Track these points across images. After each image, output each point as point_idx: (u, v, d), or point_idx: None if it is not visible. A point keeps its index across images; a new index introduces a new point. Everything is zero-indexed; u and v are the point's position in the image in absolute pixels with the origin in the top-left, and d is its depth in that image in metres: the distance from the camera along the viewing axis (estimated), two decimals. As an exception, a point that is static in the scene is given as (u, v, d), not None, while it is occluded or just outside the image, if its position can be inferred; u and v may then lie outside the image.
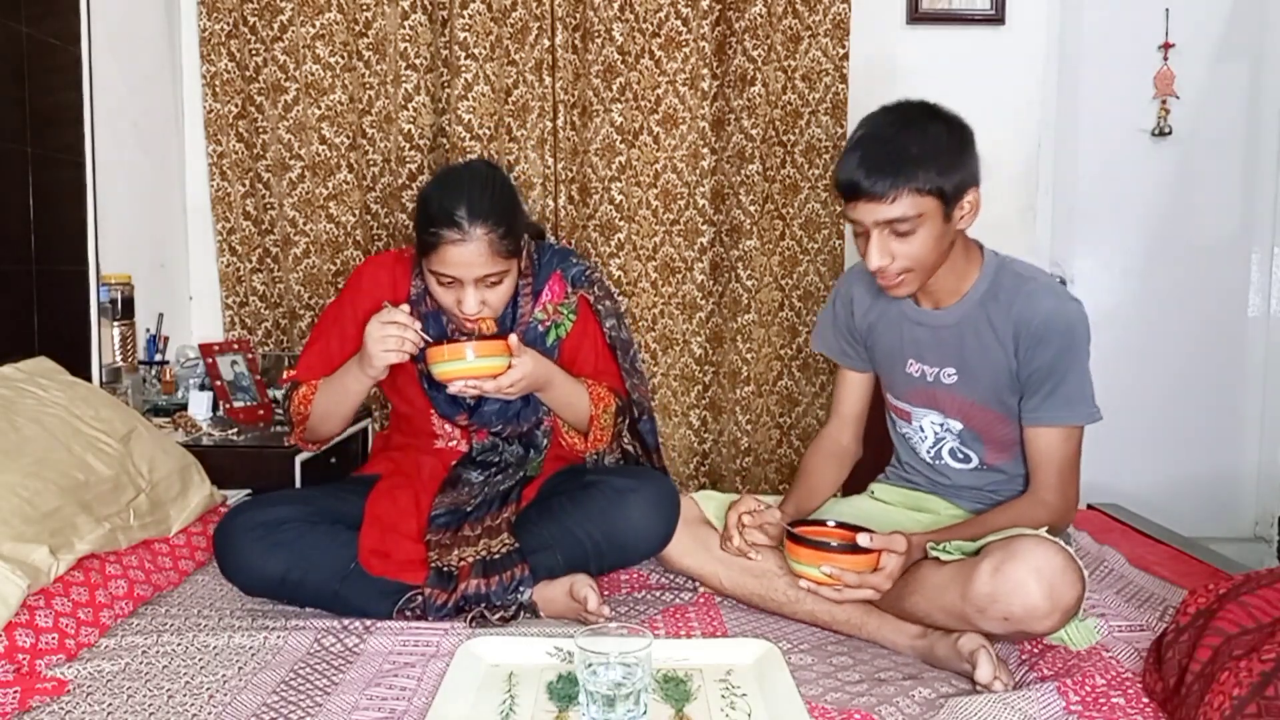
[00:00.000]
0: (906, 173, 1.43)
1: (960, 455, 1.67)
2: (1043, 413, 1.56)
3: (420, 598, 1.55)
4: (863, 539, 1.41)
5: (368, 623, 1.53)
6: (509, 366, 1.58)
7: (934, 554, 1.47)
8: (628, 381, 1.83)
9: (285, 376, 1.82)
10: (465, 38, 2.62)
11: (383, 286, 1.77)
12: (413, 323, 1.59)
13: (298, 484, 2.23)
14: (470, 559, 1.59)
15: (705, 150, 2.72)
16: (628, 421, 1.85)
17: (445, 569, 1.58)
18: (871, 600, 1.45)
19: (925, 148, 1.44)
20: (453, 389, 1.60)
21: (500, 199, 1.63)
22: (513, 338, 1.59)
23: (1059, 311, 1.53)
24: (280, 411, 2.50)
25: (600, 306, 1.83)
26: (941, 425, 1.66)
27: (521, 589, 1.56)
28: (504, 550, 1.60)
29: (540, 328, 1.79)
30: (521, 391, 1.64)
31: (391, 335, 1.57)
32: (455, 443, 1.84)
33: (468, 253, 1.59)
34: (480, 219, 1.58)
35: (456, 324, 1.72)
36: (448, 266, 1.60)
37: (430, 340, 1.61)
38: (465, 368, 1.56)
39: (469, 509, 1.70)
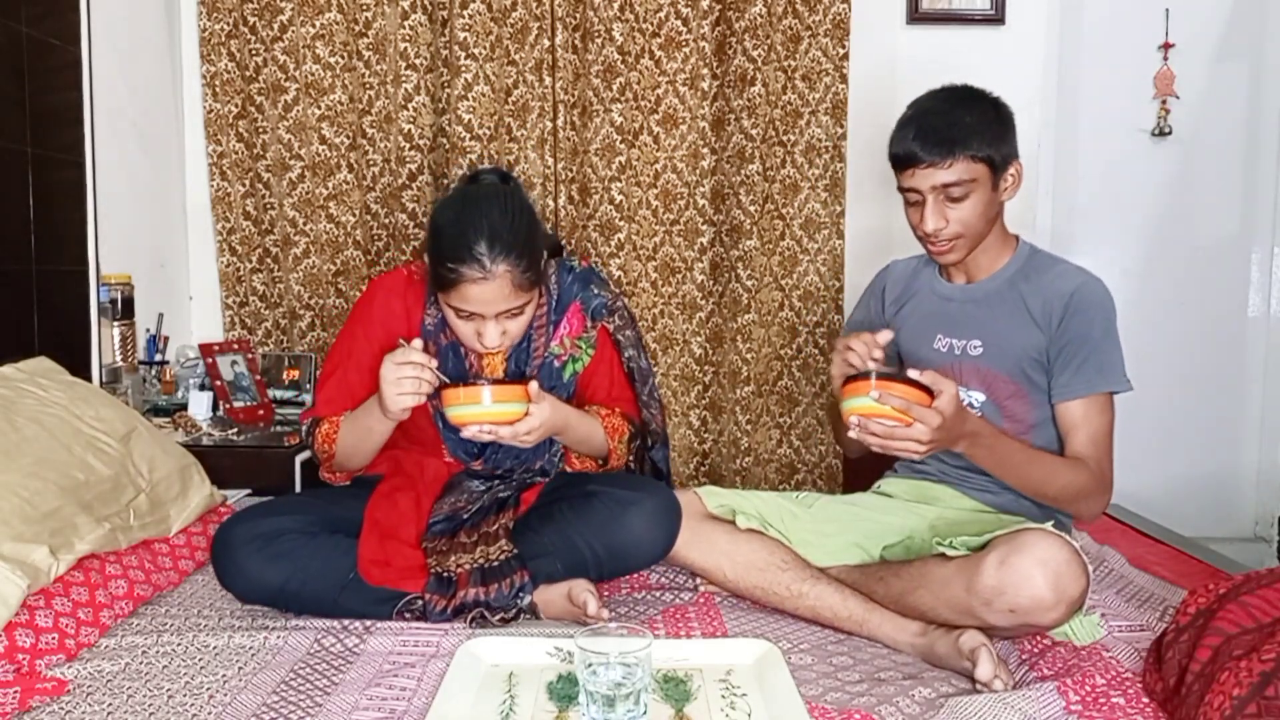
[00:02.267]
0: (961, 140, 1.55)
1: None
2: (1076, 384, 1.59)
3: (420, 602, 1.55)
4: (912, 373, 1.40)
5: (368, 623, 1.53)
6: (526, 413, 1.51)
7: (940, 549, 1.47)
8: (644, 412, 1.79)
9: (304, 414, 1.78)
10: (465, 38, 2.62)
11: (396, 316, 1.70)
12: (429, 361, 1.52)
13: (298, 484, 2.23)
14: (468, 566, 1.57)
15: (705, 150, 2.72)
16: (639, 447, 1.80)
17: (445, 574, 1.57)
18: (916, 452, 1.41)
19: (976, 119, 1.58)
20: (466, 433, 1.53)
21: (521, 229, 1.56)
22: (533, 385, 1.53)
23: (1090, 285, 1.63)
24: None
25: (620, 336, 1.77)
26: (963, 401, 1.67)
27: (522, 595, 1.55)
28: (502, 557, 1.59)
29: (556, 363, 1.73)
30: (538, 439, 1.58)
31: (408, 378, 1.50)
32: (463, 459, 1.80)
33: (490, 290, 1.52)
34: (502, 253, 1.51)
35: (472, 353, 1.68)
36: (468, 304, 1.54)
37: (446, 380, 1.55)
38: (481, 412, 1.49)
39: (465, 516, 1.68)
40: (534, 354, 1.72)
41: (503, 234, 1.52)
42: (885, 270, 1.87)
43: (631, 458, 1.78)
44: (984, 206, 1.60)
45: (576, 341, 1.74)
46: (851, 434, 1.42)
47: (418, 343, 1.55)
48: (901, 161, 1.60)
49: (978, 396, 1.67)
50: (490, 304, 1.54)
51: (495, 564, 1.58)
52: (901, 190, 1.63)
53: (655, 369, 2.77)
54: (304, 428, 1.74)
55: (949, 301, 1.72)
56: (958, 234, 1.60)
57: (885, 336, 1.55)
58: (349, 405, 1.69)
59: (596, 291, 1.77)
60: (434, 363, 1.53)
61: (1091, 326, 1.60)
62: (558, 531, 1.62)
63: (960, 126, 1.56)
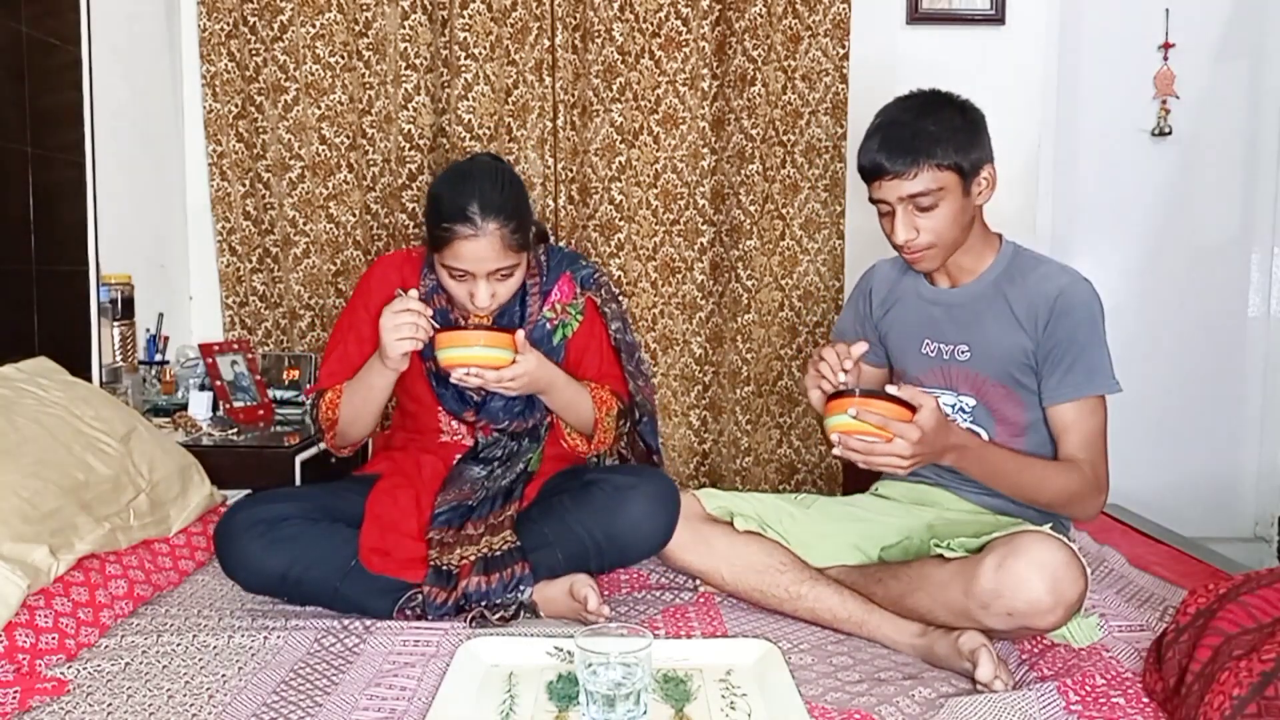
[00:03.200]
0: (925, 150, 1.53)
1: None
2: (1065, 388, 1.58)
3: (420, 596, 1.55)
4: (890, 389, 1.40)
5: (368, 623, 1.53)
6: (513, 361, 1.60)
7: (938, 551, 1.47)
8: (631, 384, 1.85)
9: (308, 389, 1.84)
10: (465, 38, 2.62)
11: (392, 285, 1.79)
12: (425, 309, 1.62)
13: (298, 484, 2.23)
14: (471, 557, 1.59)
15: (705, 150, 2.72)
16: (629, 425, 1.86)
17: (445, 568, 1.58)
18: (900, 467, 1.41)
19: (941, 127, 1.55)
20: (455, 376, 1.61)
21: (510, 193, 1.67)
22: (520, 334, 1.62)
23: (1074, 287, 1.60)
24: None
25: (607, 309, 1.85)
26: (954, 405, 1.67)
27: (522, 587, 1.56)
28: (505, 548, 1.60)
29: (548, 326, 1.81)
30: (522, 389, 1.65)
31: (405, 323, 1.60)
32: (460, 437, 1.85)
33: (481, 247, 1.62)
34: (492, 214, 1.62)
35: (464, 315, 1.75)
36: (461, 261, 1.64)
37: (439, 326, 1.64)
38: (470, 355, 1.58)
39: (472, 504, 1.71)
40: (529, 317, 1.79)
41: (493, 198, 1.63)
42: (871, 271, 1.86)
43: (623, 443, 1.81)
44: (955, 214, 1.57)
45: (566, 307, 1.83)
46: (836, 451, 1.43)
47: (414, 292, 1.66)
48: (868, 174, 1.58)
49: (969, 401, 1.67)
50: (481, 261, 1.63)
51: (497, 554, 1.59)
52: (872, 201, 1.61)
53: (655, 369, 2.78)
54: (309, 401, 1.80)
55: (934, 306, 1.71)
56: (930, 243, 1.58)
57: (860, 348, 1.54)
58: (349, 375, 1.77)
59: (584, 264, 1.88)
60: (429, 310, 1.63)
61: (1077, 329, 1.58)
62: (557, 521, 1.64)
63: (924, 136, 1.53)
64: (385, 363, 1.64)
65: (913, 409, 1.39)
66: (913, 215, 1.56)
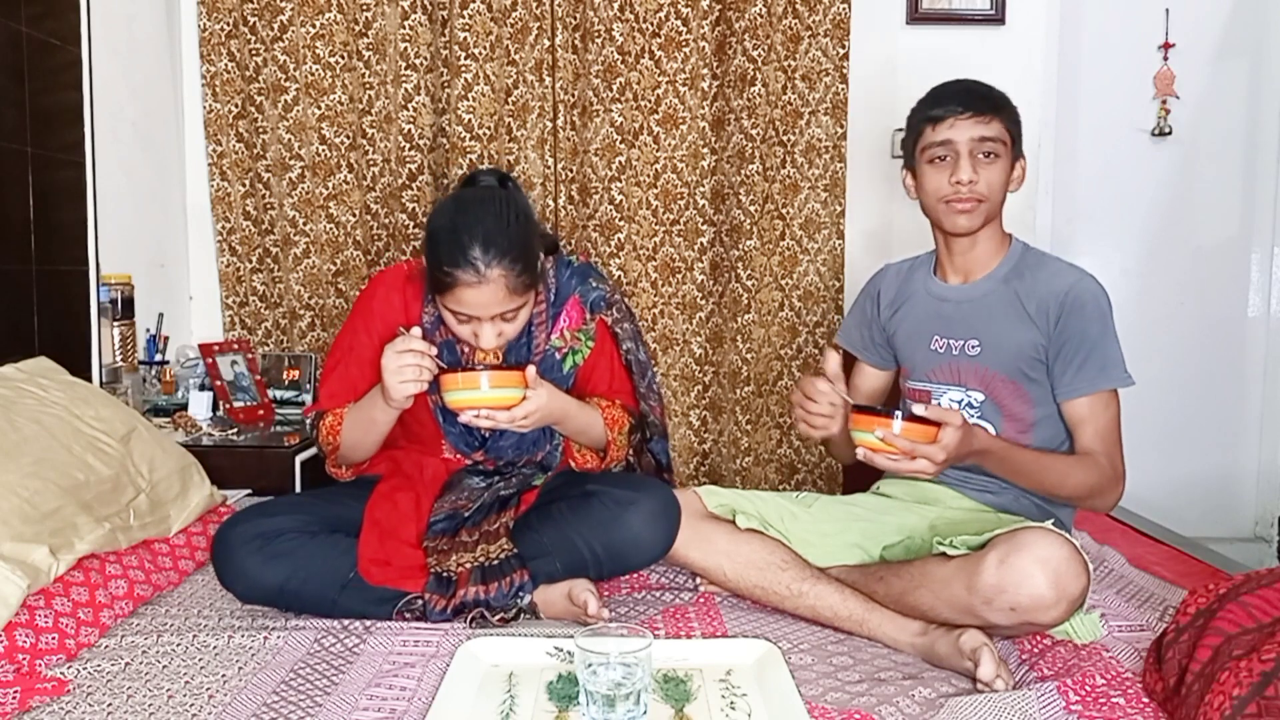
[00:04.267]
0: (1001, 104, 1.65)
1: None
2: (1079, 383, 1.60)
3: (420, 602, 1.55)
4: (918, 408, 1.43)
5: (367, 623, 1.53)
6: (524, 398, 1.53)
7: (940, 549, 1.48)
8: (643, 404, 1.80)
9: (307, 408, 1.78)
10: (465, 38, 2.62)
11: (395, 309, 1.72)
12: (429, 349, 1.54)
13: (298, 484, 2.23)
14: (468, 565, 1.58)
15: (705, 150, 2.72)
16: (639, 439, 1.82)
17: (445, 574, 1.57)
18: (927, 476, 1.44)
19: (1006, 98, 1.67)
20: (464, 418, 1.54)
21: (516, 233, 1.56)
22: (530, 370, 1.54)
23: (1083, 283, 1.63)
24: (307, 422, 2.49)
25: (619, 329, 1.78)
26: (961, 401, 1.68)
27: (521, 595, 1.55)
28: (502, 556, 1.59)
29: (557, 355, 1.74)
30: (535, 425, 1.59)
31: (409, 365, 1.52)
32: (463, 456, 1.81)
33: (485, 294, 1.54)
34: (497, 259, 1.52)
35: (468, 348, 1.69)
36: (464, 307, 1.56)
37: (444, 367, 1.57)
38: (479, 397, 1.51)
39: (467, 514, 1.68)
40: (535, 349, 1.73)
41: (497, 238, 1.53)
42: (879, 274, 1.87)
43: (631, 451, 1.79)
44: (1004, 179, 1.64)
45: (576, 334, 1.76)
46: (860, 458, 1.45)
47: (417, 330, 1.57)
48: (940, 115, 1.62)
49: (977, 396, 1.68)
50: (485, 307, 1.56)
51: (495, 562, 1.58)
52: (927, 149, 1.64)
53: (655, 369, 2.77)
54: (308, 421, 1.75)
55: (944, 302, 1.72)
56: (983, 195, 1.63)
57: (829, 376, 1.58)
58: (351, 398, 1.71)
59: (594, 285, 1.78)
60: (433, 350, 1.56)
61: (1088, 324, 1.60)
62: (556, 531, 1.61)
63: (1000, 95, 1.65)
64: (389, 403, 1.57)
65: (938, 424, 1.40)
66: (977, 161, 1.62)
